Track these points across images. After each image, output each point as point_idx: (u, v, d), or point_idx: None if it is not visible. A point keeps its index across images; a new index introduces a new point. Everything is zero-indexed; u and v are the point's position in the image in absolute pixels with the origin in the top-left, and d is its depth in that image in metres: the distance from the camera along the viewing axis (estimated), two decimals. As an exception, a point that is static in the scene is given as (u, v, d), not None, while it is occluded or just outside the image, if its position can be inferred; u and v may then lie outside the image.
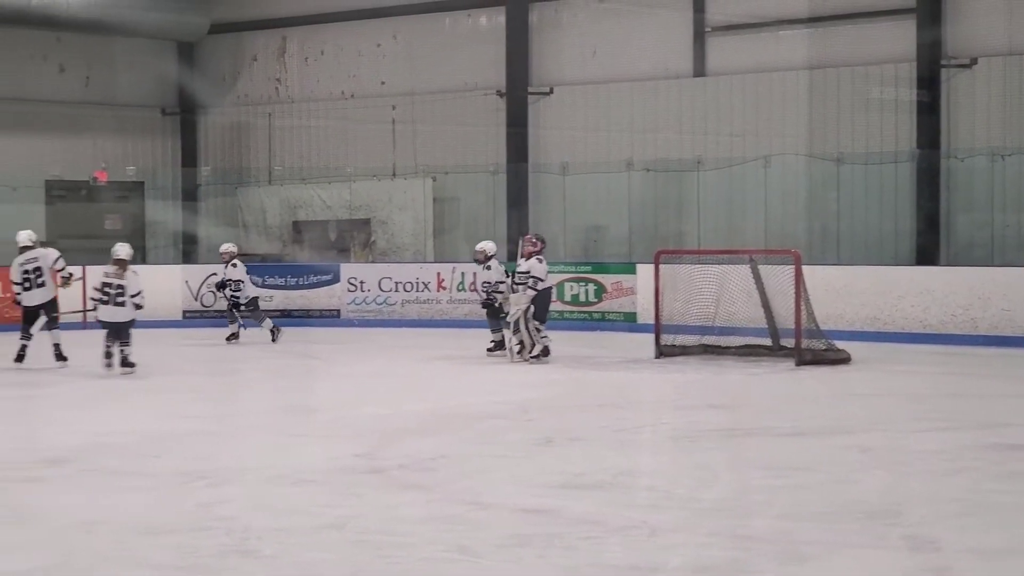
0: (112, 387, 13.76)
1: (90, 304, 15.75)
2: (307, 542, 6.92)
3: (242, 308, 18.67)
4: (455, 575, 6.32)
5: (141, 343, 14.90)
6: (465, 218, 24.25)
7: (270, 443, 10.27)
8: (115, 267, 14.81)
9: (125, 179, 25.76)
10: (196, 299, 22.29)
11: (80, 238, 23.21)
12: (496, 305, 16.46)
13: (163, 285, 21.55)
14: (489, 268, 16.77)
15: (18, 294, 15.58)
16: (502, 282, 16.44)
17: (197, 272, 22.61)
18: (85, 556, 6.61)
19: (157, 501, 8.04)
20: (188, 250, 25.98)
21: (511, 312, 15.79)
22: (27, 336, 15.50)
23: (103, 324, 14.79)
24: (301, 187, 25.53)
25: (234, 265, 18.73)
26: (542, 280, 15.76)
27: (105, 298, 14.70)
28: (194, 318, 22.01)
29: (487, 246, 16.98)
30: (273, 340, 18.43)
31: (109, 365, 14.54)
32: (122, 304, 14.63)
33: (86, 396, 13.34)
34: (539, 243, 16.04)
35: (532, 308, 15.65)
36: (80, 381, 14.25)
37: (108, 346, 14.62)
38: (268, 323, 18.80)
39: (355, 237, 24.80)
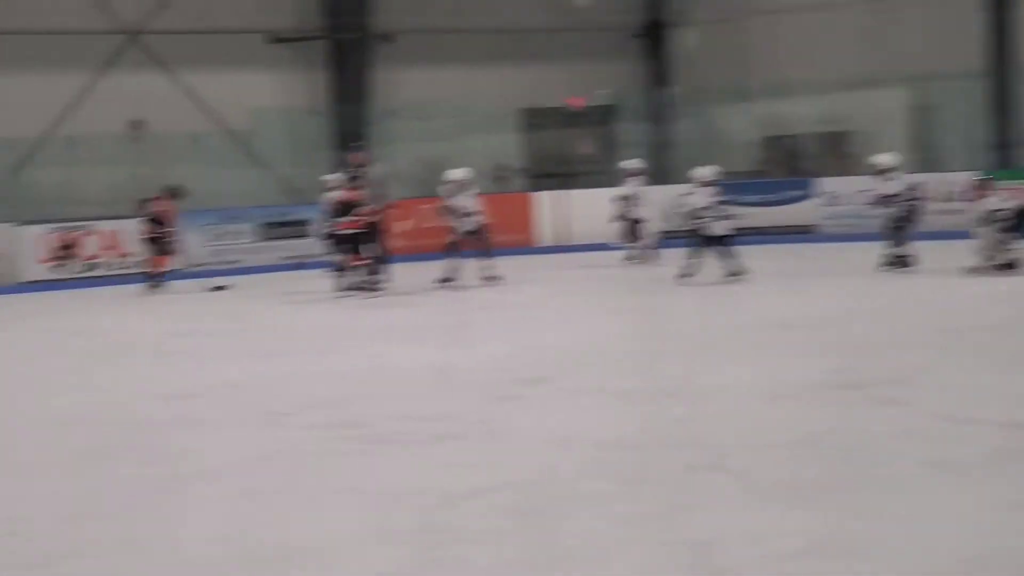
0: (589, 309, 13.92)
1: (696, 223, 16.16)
2: (781, 457, 6.76)
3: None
4: (934, 490, 6.00)
5: (609, 264, 15.05)
6: (946, 128, 23.27)
7: (743, 360, 10.13)
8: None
9: (598, 103, 26.09)
10: (669, 219, 22.36)
11: (555, 163, 23.74)
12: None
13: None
14: (887, 181, 16.15)
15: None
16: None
17: (670, 192, 22.65)
18: (562, 470, 6.69)
19: (629, 417, 8.06)
20: (660, 171, 26.10)
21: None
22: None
23: (707, 240, 15.69)
24: (774, 102, 25.13)
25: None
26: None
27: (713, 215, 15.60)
28: (667, 238, 22.07)
29: (886, 159, 16.37)
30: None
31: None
32: (722, 218, 15.72)
33: (563, 315, 13.58)
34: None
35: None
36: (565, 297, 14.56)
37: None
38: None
39: (830, 151, 24.26)
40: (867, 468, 6.48)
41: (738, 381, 9.06)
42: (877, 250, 16.15)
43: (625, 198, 19.60)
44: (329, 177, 18.44)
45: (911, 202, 16.17)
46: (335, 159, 24.07)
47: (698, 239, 15.77)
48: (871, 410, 8.01)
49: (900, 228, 16.10)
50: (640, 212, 19.49)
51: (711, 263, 15.55)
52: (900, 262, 15.96)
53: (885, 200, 16.21)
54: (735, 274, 15.44)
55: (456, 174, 17.19)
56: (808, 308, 13.38)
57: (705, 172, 16.34)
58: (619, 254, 19.32)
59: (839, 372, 9.25)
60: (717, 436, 7.35)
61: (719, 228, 15.74)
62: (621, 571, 5.05)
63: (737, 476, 6.38)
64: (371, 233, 16.24)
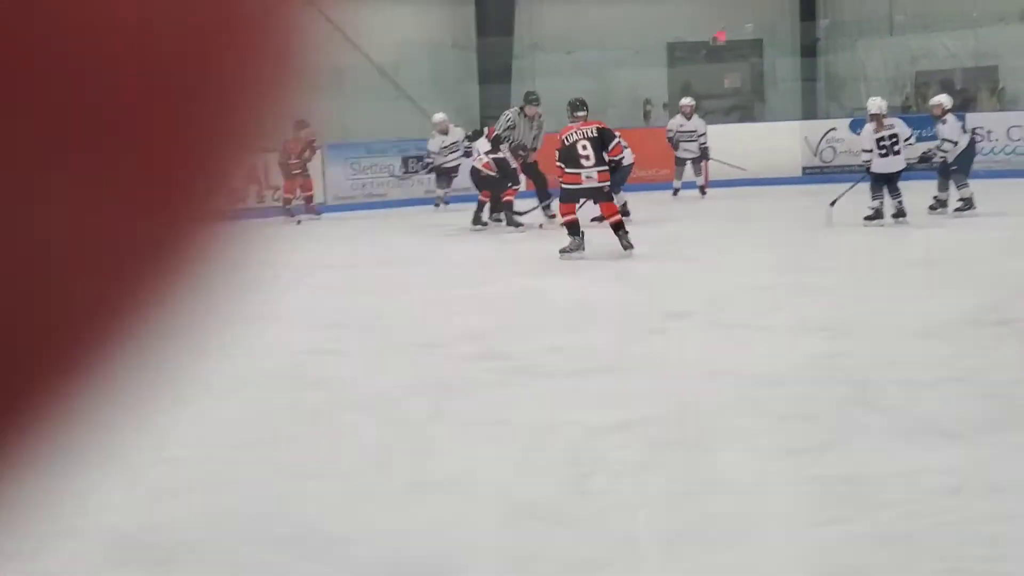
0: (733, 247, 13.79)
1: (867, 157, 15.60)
2: (929, 395, 6.66)
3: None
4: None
5: (761, 198, 14.89)
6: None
7: (889, 295, 9.99)
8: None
9: (744, 37, 25.75)
10: (816, 155, 22.09)
11: (702, 98, 23.52)
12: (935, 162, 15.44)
13: (782, 142, 21.51)
14: (945, 123, 15.68)
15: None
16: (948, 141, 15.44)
17: (817, 127, 22.37)
18: (708, 404, 6.67)
19: (777, 352, 7.99)
20: (807, 106, 25.74)
21: None
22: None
23: (877, 176, 15.07)
24: (924, 35, 24.60)
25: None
26: None
27: (882, 151, 14.94)
28: (814, 174, 21.82)
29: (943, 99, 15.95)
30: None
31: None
32: (897, 153, 14.94)
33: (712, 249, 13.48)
34: None
35: None
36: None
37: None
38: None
39: (982, 86, 23.72)
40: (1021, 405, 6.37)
41: (883, 316, 8.95)
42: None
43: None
44: (437, 117, 18.64)
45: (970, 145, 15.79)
46: (480, 94, 24.19)
47: (869, 175, 15.36)
48: (1022, 347, 7.87)
49: (960, 169, 15.64)
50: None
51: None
52: (965, 203, 15.52)
53: (944, 142, 15.73)
54: (899, 214, 15.02)
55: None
56: (948, 243, 13.15)
57: (874, 104, 15.76)
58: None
59: (987, 308, 9.08)
60: (867, 372, 7.26)
61: (888, 164, 15.14)
62: (768, 505, 5.02)
63: (889, 413, 6.30)
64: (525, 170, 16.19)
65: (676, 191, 20.36)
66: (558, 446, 5.95)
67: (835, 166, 21.73)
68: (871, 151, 15.19)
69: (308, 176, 19.00)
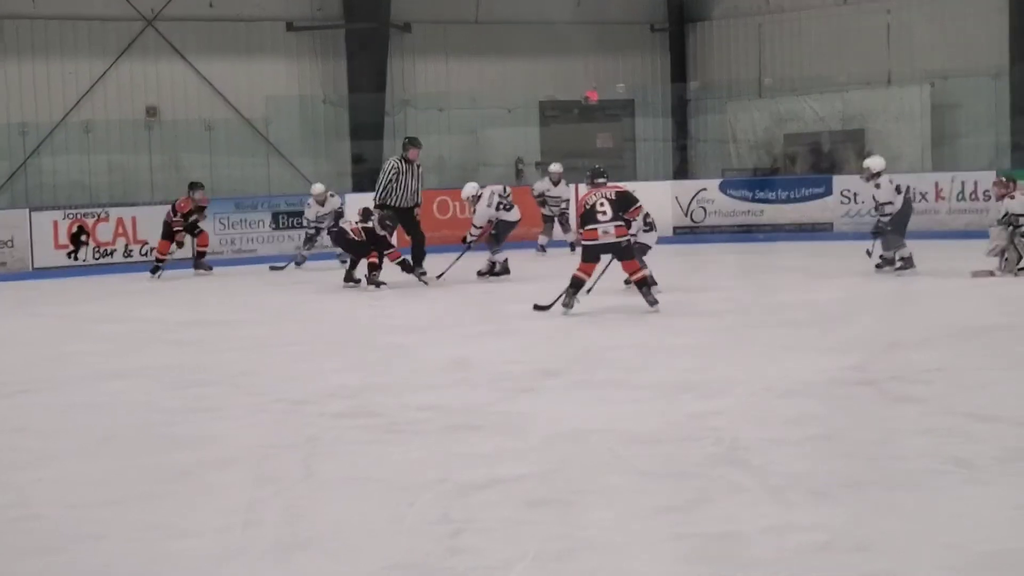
0: (613, 304, 13.88)
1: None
2: (797, 452, 6.73)
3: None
4: (951, 488, 5.97)
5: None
6: (966, 127, 23.19)
7: (758, 355, 10.11)
8: None
9: (615, 97, 26.04)
10: (686, 215, 22.37)
11: (572, 157, 23.73)
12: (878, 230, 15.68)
13: (654, 201, 21.75)
14: (878, 187, 15.83)
15: None
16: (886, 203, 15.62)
17: (687, 188, 22.66)
18: (577, 463, 6.67)
19: (646, 412, 8.03)
20: (677, 166, 26.07)
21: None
22: None
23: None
24: (792, 99, 25.10)
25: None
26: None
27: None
28: (684, 234, 22.09)
29: (871, 163, 16.13)
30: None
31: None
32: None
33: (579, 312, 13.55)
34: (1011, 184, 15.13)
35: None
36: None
37: None
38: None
39: (848, 149, 24.21)
40: (885, 462, 6.46)
41: (750, 376, 9.05)
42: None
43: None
44: (316, 188, 18.71)
45: (905, 204, 15.82)
46: (351, 149, 24.15)
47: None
48: (886, 407, 8.00)
49: (896, 230, 15.73)
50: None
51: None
52: (905, 263, 15.60)
53: (880, 206, 15.81)
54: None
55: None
56: (818, 304, 13.36)
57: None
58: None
59: (853, 369, 9.22)
60: (732, 431, 7.31)
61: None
62: (639, 564, 5.03)
63: (757, 471, 6.36)
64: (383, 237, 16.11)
65: (543, 248, 20.50)
66: (430, 504, 5.92)
67: (706, 226, 22.04)
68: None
69: (203, 231, 18.97)
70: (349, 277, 16.42)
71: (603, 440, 7.17)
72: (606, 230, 13.02)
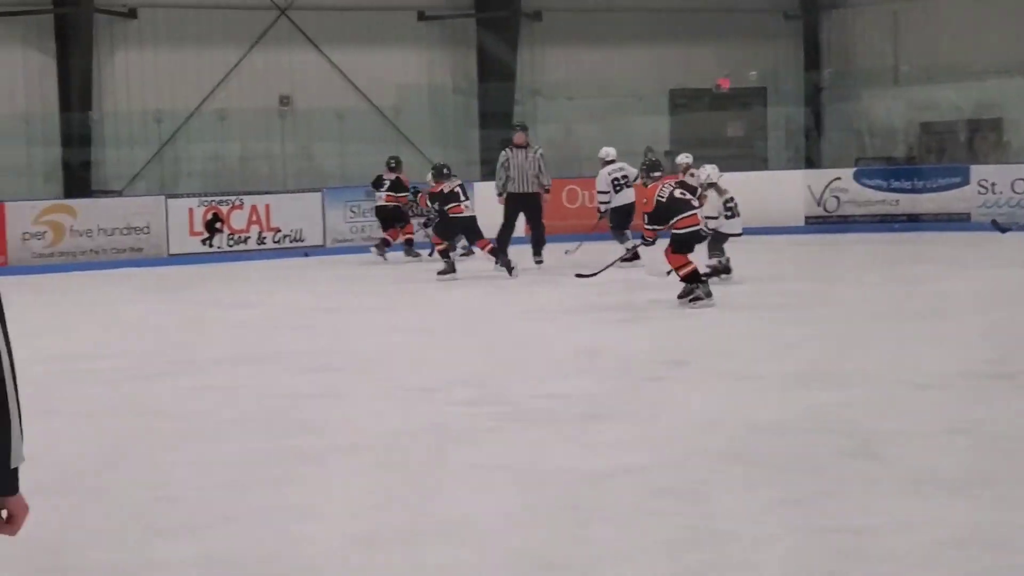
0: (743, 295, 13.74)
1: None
2: (931, 445, 6.61)
3: None
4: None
5: (762, 250, 14.85)
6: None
7: (891, 346, 9.94)
8: None
9: (747, 85, 25.74)
10: (819, 204, 22.07)
11: (703, 147, 23.49)
12: None
13: (786, 191, 21.52)
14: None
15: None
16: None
17: (821, 177, 22.35)
18: (704, 453, 6.60)
19: (775, 402, 7.93)
20: (810, 155, 25.71)
21: None
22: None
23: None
24: (928, 87, 24.63)
25: None
26: None
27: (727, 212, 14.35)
28: (816, 223, 21.79)
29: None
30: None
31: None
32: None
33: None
34: None
35: None
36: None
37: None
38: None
39: (986, 137, 23.72)
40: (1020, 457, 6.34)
41: (884, 367, 8.91)
42: None
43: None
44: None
45: None
46: (480, 139, 24.22)
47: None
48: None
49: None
50: None
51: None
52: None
53: None
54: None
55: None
56: (954, 295, 13.09)
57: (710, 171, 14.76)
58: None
59: (989, 362, 9.03)
60: (865, 423, 7.19)
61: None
62: (768, 556, 4.97)
63: (889, 463, 6.25)
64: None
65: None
66: (556, 493, 5.90)
67: (838, 216, 21.73)
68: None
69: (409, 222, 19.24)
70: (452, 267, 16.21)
71: (727, 430, 7.09)
72: (701, 214, 12.91)
